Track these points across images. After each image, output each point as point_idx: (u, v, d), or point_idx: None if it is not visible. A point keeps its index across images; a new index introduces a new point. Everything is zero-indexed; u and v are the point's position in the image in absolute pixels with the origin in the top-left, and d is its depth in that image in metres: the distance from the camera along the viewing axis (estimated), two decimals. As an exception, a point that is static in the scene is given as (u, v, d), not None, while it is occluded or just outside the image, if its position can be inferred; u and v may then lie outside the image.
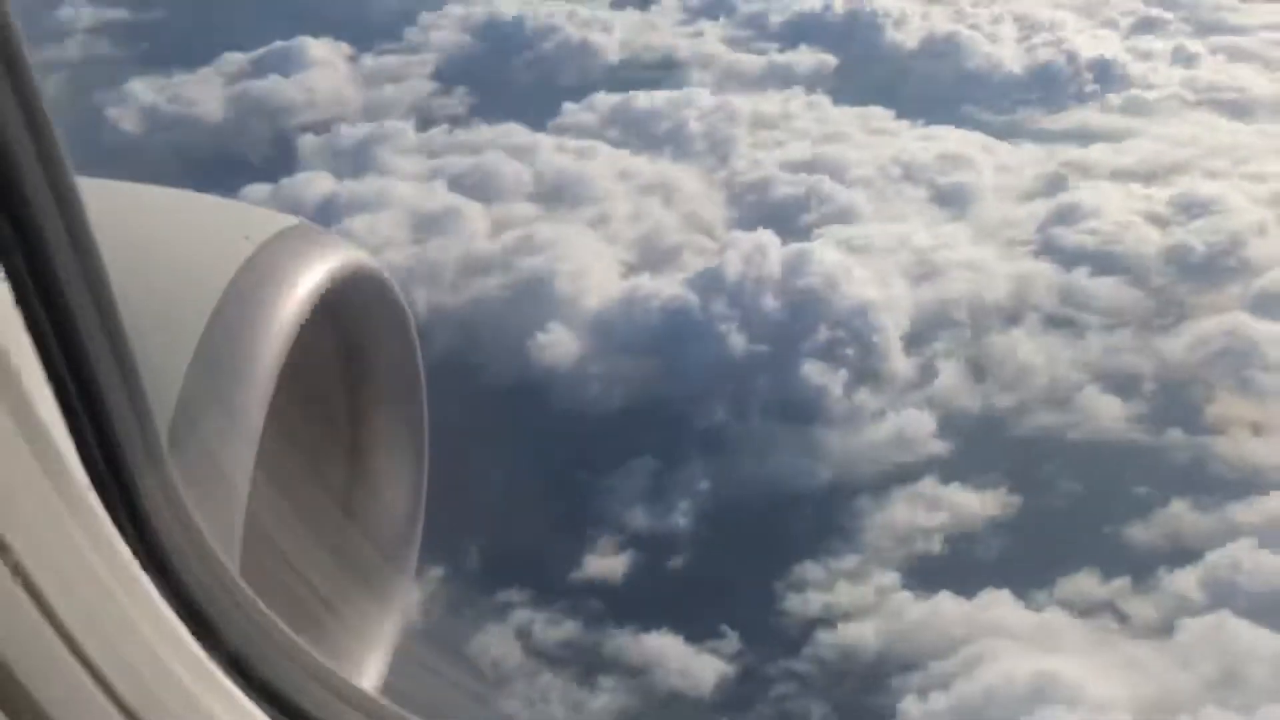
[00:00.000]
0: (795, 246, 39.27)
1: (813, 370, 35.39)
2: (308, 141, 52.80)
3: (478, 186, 45.47)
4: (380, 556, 2.86)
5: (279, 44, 64.09)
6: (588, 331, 36.92)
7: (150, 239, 2.42)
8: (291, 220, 2.59)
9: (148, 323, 2.08)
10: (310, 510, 2.80)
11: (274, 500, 2.56)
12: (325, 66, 62.97)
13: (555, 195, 45.51)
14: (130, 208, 2.52)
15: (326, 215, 41.17)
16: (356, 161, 48.76)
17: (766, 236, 39.86)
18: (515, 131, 52.04)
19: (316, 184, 44.80)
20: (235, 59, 63.38)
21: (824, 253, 39.51)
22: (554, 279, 38.12)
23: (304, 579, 2.76)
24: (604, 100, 56.50)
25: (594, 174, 47.28)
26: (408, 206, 43.07)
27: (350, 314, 2.65)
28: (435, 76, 63.69)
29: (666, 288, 38.10)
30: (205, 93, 60.98)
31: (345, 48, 66.31)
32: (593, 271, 39.15)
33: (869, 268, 40.27)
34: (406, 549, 2.92)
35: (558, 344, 36.09)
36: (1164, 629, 27.14)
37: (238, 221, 2.57)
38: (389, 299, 2.74)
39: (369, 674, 2.74)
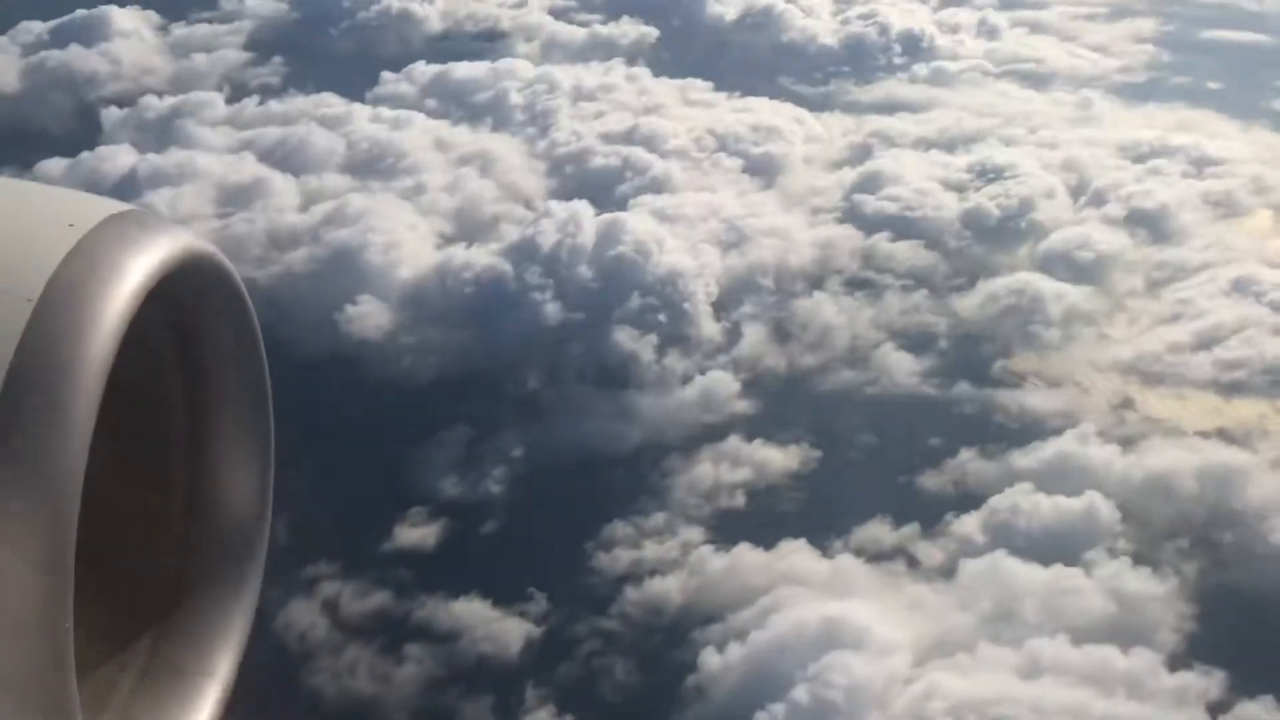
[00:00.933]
0: (609, 216, 39.87)
1: (624, 337, 36.11)
2: (111, 114, 50.73)
3: (289, 158, 44.62)
4: (228, 547, 2.79)
5: (81, 12, 61.35)
6: (400, 303, 36.80)
7: None
8: (120, 206, 2.46)
9: None
10: (152, 506, 2.74)
11: (112, 499, 2.44)
12: (131, 36, 60.51)
13: (369, 166, 45.03)
14: None
15: (126, 190, 39.80)
16: (161, 135, 47.19)
17: (581, 206, 40.37)
18: (330, 102, 51.19)
19: (117, 158, 43.17)
20: (33, 28, 60.41)
21: (637, 222, 40.23)
22: (365, 251, 37.82)
23: (148, 576, 2.70)
24: (423, 71, 56.02)
25: (410, 145, 46.94)
26: (214, 179, 41.96)
27: (186, 303, 2.57)
28: (249, 46, 62.01)
29: (481, 258, 38.23)
30: (1, 63, 57.97)
31: (154, 16, 63.93)
32: (406, 243, 38.97)
33: (681, 236, 41.19)
34: (256, 538, 2.84)
35: (369, 316, 35.90)
36: (947, 571, 28.84)
37: (61, 208, 2.42)
38: (227, 286, 2.64)
39: (221, 668, 2.69)
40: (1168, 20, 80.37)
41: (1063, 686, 23.94)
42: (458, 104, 52.67)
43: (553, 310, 36.51)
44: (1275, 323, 39.01)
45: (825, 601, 26.72)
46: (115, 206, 2.47)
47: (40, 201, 2.53)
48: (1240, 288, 41.34)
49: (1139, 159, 52.81)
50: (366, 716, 25.02)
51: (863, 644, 24.83)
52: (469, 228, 41.50)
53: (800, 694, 23.52)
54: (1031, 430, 34.31)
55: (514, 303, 36.47)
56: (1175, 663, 25.38)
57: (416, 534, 30.35)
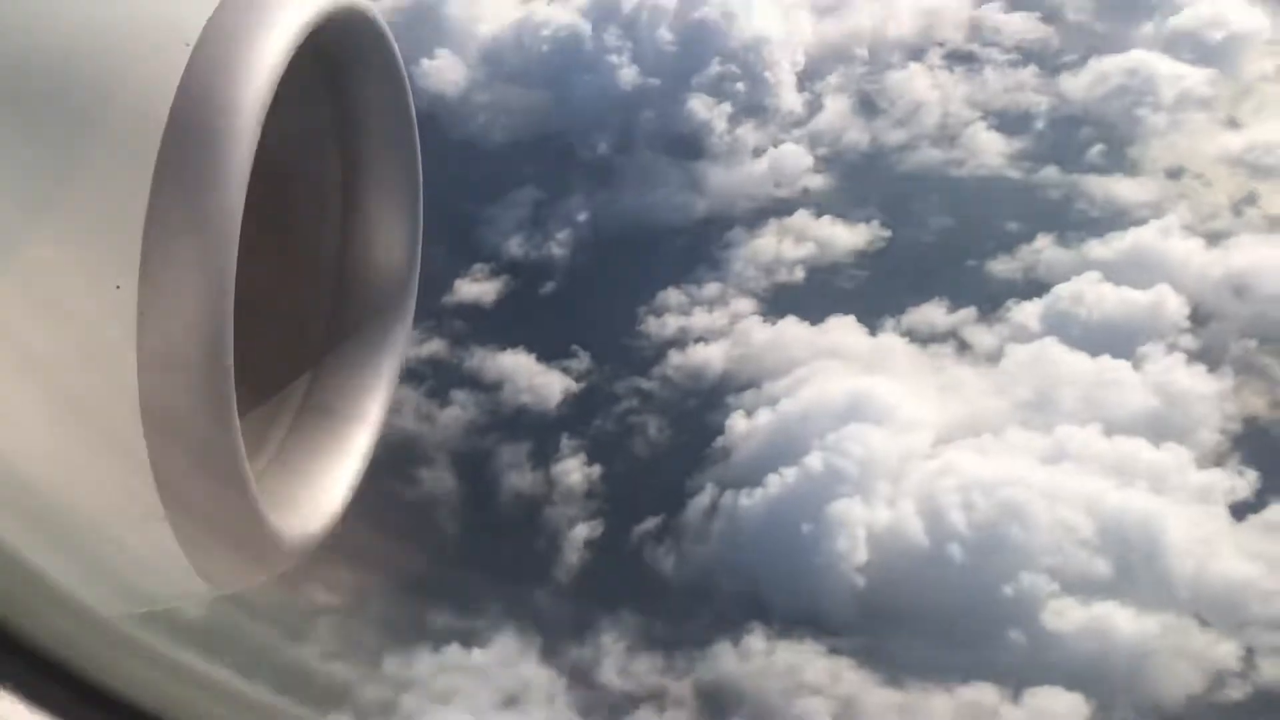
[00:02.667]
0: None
1: (699, 104, 35.49)
2: None
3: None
4: (380, 297, 2.83)
5: None
6: (478, 59, 36.71)
7: None
8: None
9: (127, 59, 2.09)
10: (306, 255, 2.79)
11: (268, 248, 2.50)
12: None
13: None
14: None
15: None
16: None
17: (668, -37, 38.79)
18: None
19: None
20: None
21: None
22: (447, 3, 37.46)
23: (304, 323, 2.78)
24: None
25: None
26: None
27: (341, 55, 2.57)
28: None
29: (561, 16, 37.50)
30: None
31: None
32: (487, -1, 38.42)
33: (774, -1, 39.47)
34: (406, 290, 2.87)
35: (446, 71, 35.95)
36: (995, 356, 28.54)
37: None
38: (381, 42, 2.64)
39: (372, 412, 2.77)
40: None
41: (1082, 474, 23.89)
42: None
43: (629, 74, 35.94)
44: None
45: (858, 376, 26.88)
46: None
47: None
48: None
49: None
50: (409, 452, 26.67)
51: (886, 419, 25.10)
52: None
53: (813, 460, 24.10)
54: (1114, 220, 32.88)
55: (590, 64, 35.98)
56: (1206, 460, 24.96)
57: (477, 289, 31.37)
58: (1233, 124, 36.61)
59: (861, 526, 22.88)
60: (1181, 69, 38.39)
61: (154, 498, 2.10)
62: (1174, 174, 34.59)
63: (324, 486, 2.67)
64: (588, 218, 33.52)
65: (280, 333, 2.77)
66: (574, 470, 25.97)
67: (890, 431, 24.90)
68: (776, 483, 24.03)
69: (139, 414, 2.04)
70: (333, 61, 2.60)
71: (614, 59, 36.04)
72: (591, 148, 35.01)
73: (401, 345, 2.88)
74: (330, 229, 2.82)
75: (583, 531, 24.69)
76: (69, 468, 2.12)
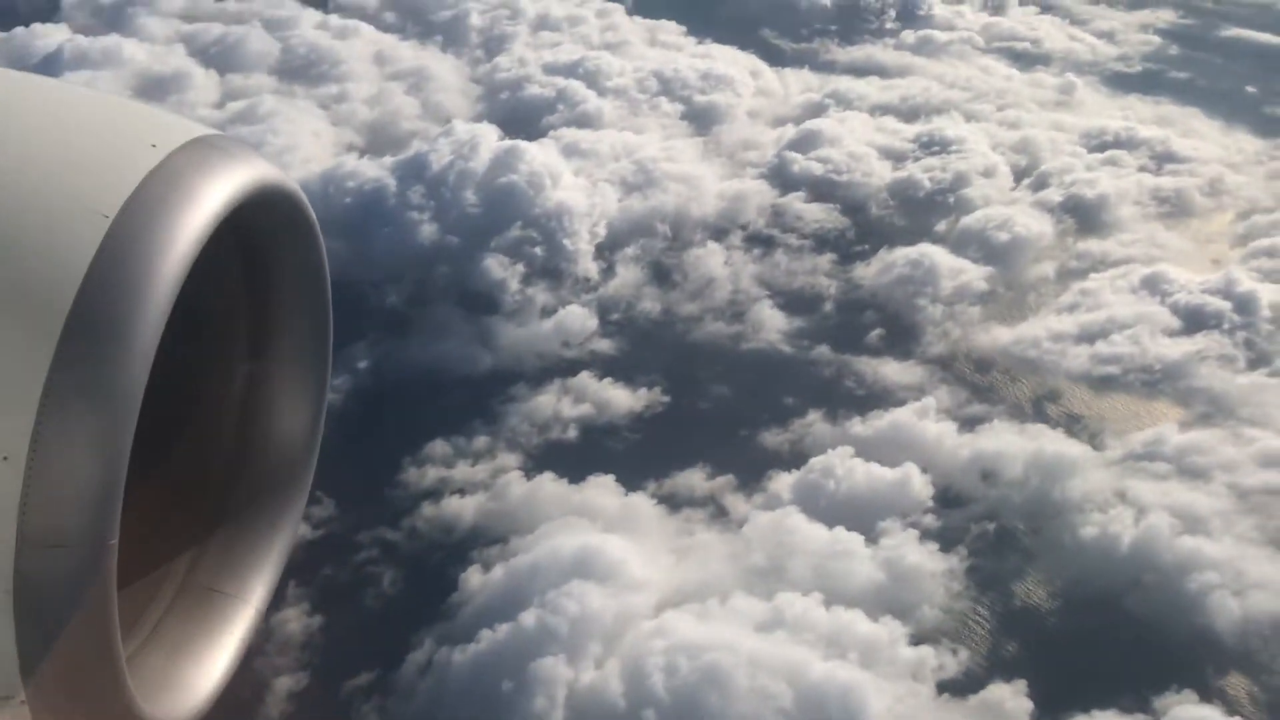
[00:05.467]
0: (509, 143, 39.79)
1: (495, 264, 36.25)
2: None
3: (221, 56, 44.97)
4: (275, 475, 2.80)
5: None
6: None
7: (52, 138, 2.29)
8: (203, 130, 2.47)
9: (40, 230, 2.05)
10: (207, 427, 2.73)
11: (169, 418, 2.40)
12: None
13: (300, 71, 45.28)
14: (33, 100, 2.40)
15: (49, 67, 40.47)
16: (111, 19, 47.78)
17: (485, 130, 40.31)
18: (285, 5, 51.43)
19: (49, 35, 43.76)
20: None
21: (539, 153, 40.10)
22: (259, 150, 38.07)
23: (196, 495, 2.70)
24: (392, -16, 55.97)
25: (349, 54, 47.09)
26: (136, 68, 42.47)
27: (258, 232, 2.56)
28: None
29: (370, 171, 38.40)
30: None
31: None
32: (303, 148, 39.29)
33: (585, 173, 41.06)
34: (302, 470, 2.82)
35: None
36: (739, 523, 28.89)
37: (145, 127, 2.41)
38: (300, 219, 2.67)
39: (256, 593, 2.70)
40: (1189, 14, 78.10)
41: (794, 643, 23.99)
42: (415, 20, 52.69)
43: (429, 231, 36.71)
44: (1168, 324, 38.19)
45: (597, 534, 26.91)
46: (198, 130, 2.48)
47: (126, 118, 2.48)
48: (1149, 285, 40.47)
49: (1099, 148, 51.65)
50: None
51: (612, 578, 25.03)
52: (379, 141, 41.75)
53: (528, 617, 23.81)
54: (879, 399, 34.07)
55: (390, 219, 36.72)
56: (920, 637, 25.31)
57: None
58: (1003, 318, 38.63)
59: (563, 686, 22.52)
60: (964, 264, 40.67)
61: (15, 679, 2.00)
62: (939, 360, 36.16)
63: (199, 669, 2.59)
64: (369, 365, 33.60)
65: (169, 505, 2.70)
66: (293, 620, 25.25)
67: (613, 591, 24.82)
68: (489, 639, 23.64)
69: (10, 590, 1.96)
70: (252, 238, 2.60)
71: (416, 215, 36.88)
72: (381, 298, 35.40)
73: (295, 524, 2.87)
74: (233, 402, 2.77)
75: (288, 683, 23.85)
76: None
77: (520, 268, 36.14)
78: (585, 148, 42.51)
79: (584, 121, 45.24)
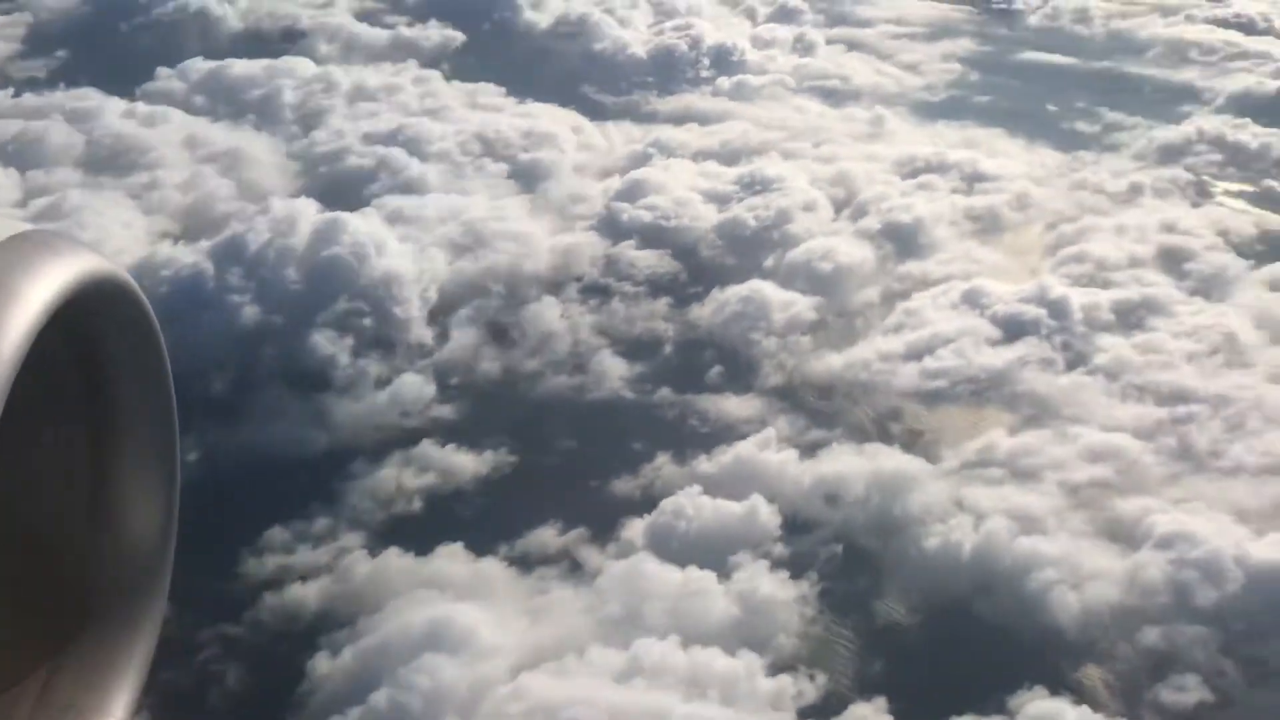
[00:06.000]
0: (330, 216, 39.25)
1: (323, 339, 35.53)
2: None
3: (21, 153, 43.26)
4: (129, 578, 2.62)
5: None
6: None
7: None
8: (23, 226, 2.33)
9: None
10: (53, 534, 2.54)
11: (10, 528, 2.28)
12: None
13: (106, 163, 43.86)
14: None
15: None
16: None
17: (303, 205, 39.71)
18: (89, 97, 49.87)
19: None
20: None
21: (361, 224, 39.63)
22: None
23: (46, 607, 2.50)
24: (199, 67, 54.90)
25: (158, 141, 45.88)
26: (-74, 171, 40.51)
27: (90, 327, 2.42)
28: (30, 38, 60.34)
29: (185, 256, 37.31)
30: None
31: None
32: (114, 239, 37.94)
33: (412, 239, 40.74)
34: (158, 569, 2.68)
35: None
36: (593, 575, 28.69)
37: None
38: (133, 311, 2.50)
39: (116, 709, 2.53)
40: (986, 41, 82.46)
41: (653, 689, 23.85)
42: (227, 101, 51.70)
43: (251, 312, 35.78)
44: (989, 334, 39.77)
45: (446, 604, 26.36)
46: (17, 226, 2.35)
47: None
48: (969, 299, 42.13)
49: (911, 174, 53.74)
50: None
51: (463, 647, 24.52)
52: (194, 226, 40.59)
53: (379, 698, 23.10)
54: (722, 435, 34.45)
55: (210, 304, 35.68)
56: (778, 666, 25.48)
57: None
58: (835, 344, 39.64)
59: (420, 764, 21.87)
60: (793, 296, 41.66)
61: None
62: (777, 391, 36.84)
63: None
64: (199, 457, 32.33)
65: (22, 614, 2.48)
66: (130, 730, 23.89)
67: (467, 660, 24.29)
68: (340, 726, 22.84)
69: None
70: (84, 337, 2.42)
71: (236, 298, 35.91)
72: (206, 386, 34.20)
73: (154, 631, 2.70)
74: (77, 509, 2.56)
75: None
76: None
77: (350, 341, 35.49)
78: (410, 214, 42.19)
79: (407, 188, 44.96)
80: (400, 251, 39.19)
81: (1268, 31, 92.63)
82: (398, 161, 46.56)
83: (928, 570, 29.39)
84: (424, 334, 37.14)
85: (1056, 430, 34.89)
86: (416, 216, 42.19)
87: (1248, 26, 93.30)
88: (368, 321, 36.44)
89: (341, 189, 44.54)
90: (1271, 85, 75.21)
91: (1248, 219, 54.54)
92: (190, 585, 28.18)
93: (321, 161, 46.99)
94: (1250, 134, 65.34)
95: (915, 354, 38.72)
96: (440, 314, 38.36)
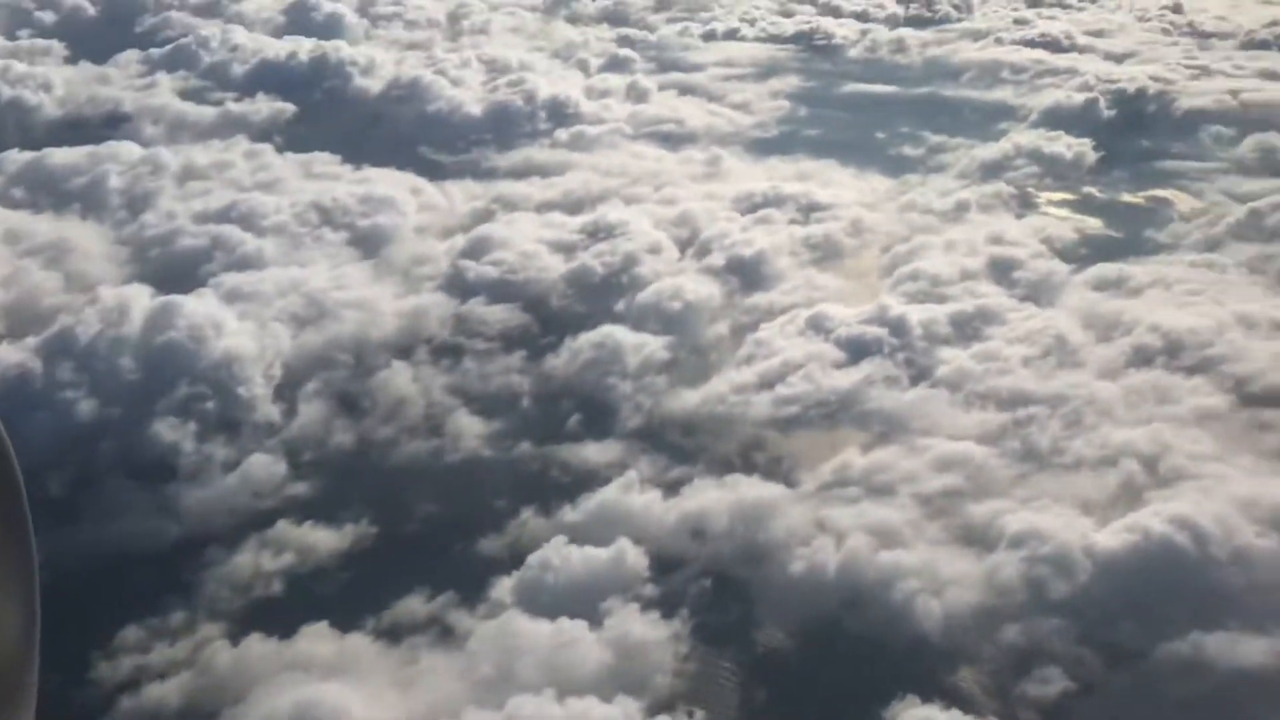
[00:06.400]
0: (164, 300, 38.12)
1: (165, 428, 34.31)
2: None
3: None
4: None
5: None
6: (-89, 412, 33.86)
7: None
8: None
9: None
10: None
11: None
12: None
13: (-83, 267, 41.79)
14: None
15: None
16: None
17: (136, 291, 38.49)
18: (-106, 199, 47.58)
19: None
20: None
21: (198, 305, 38.58)
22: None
23: None
24: (15, 159, 52.91)
25: (-26, 240, 43.93)
26: None
27: None
28: None
29: (10, 355, 35.71)
30: None
31: None
32: (-72, 346, 36.08)
33: (252, 316, 39.81)
34: (20, 690, 2.47)
35: None
36: (464, 638, 28.25)
37: None
38: None
39: None
40: (811, 77, 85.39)
41: (533, 747, 23.55)
42: (48, 192, 49.87)
43: (87, 407, 34.38)
44: (835, 357, 40.84)
45: (313, 685, 25.58)
46: None
47: None
48: (814, 325, 43.22)
49: (750, 209, 55.08)
50: None
51: (334, 728, 23.79)
52: (19, 323, 38.90)
53: (245, 793, 22.24)
54: (585, 483, 34.44)
55: (40, 402, 34.17)
56: (657, 707, 25.46)
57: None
58: (689, 381, 40.13)
59: None
60: (645, 338, 42.09)
61: None
62: (637, 433, 37.07)
63: None
64: (41, 563, 30.66)
65: None
66: None
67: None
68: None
69: None
70: None
71: (69, 394, 34.48)
72: (43, 489, 32.63)
73: None
74: None
75: None
76: None
77: (193, 426, 34.37)
78: (248, 290, 41.27)
79: (244, 264, 44.01)
80: (240, 330, 38.25)
81: (1071, 49, 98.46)
82: (232, 238, 45.57)
83: (796, 593, 29.82)
84: (271, 412, 36.22)
85: (906, 444, 35.96)
86: (255, 292, 41.29)
87: (1053, 45, 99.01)
88: (210, 405, 35.36)
89: (175, 271, 43.36)
90: (1079, 98, 79.80)
91: (1068, 225, 57.60)
92: (40, 698, 26.78)
93: (152, 245, 45.67)
94: (1064, 145, 69.18)
95: (767, 383, 39.50)
96: (287, 390, 37.50)
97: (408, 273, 46.42)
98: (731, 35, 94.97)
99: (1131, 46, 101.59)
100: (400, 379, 38.90)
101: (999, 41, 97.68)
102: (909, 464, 34.80)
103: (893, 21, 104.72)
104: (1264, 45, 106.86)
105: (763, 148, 66.97)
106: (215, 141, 58.10)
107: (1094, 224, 59.82)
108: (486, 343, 42.19)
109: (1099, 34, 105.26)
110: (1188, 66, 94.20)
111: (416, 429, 37.26)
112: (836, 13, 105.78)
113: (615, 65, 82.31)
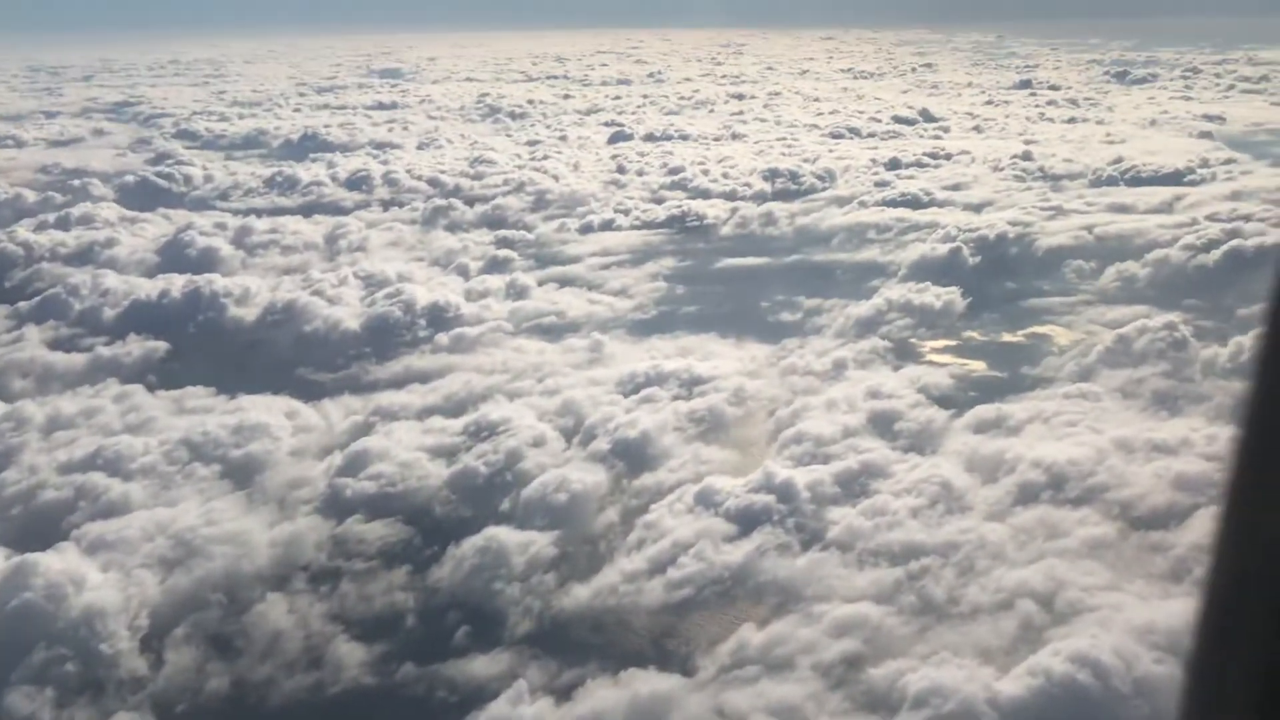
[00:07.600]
0: (16, 560, 36.25)
1: (20, 698, 31.98)
2: None
3: None
4: None
5: None
6: None
7: None
8: None
9: None
10: None
11: None
12: None
13: None
14: None
15: None
16: None
17: (-12, 556, 36.47)
18: None
19: None
20: None
21: (57, 561, 36.70)
22: None
23: None
24: None
25: None
26: None
27: None
28: None
29: None
30: None
31: None
32: None
33: (116, 565, 37.98)
34: None
35: None
36: None
37: None
38: None
39: None
40: (686, 256, 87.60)
41: None
42: (-100, 461, 47.81)
43: (-71, 686, 31.99)
44: (725, 530, 40.22)
45: None
46: None
47: None
48: (702, 500, 42.68)
49: (633, 390, 55.11)
50: None
51: None
52: None
53: None
54: (472, 700, 32.75)
55: (-124, 688, 31.72)
56: None
57: None
58: (579, 575, 39.00)
59: None
60: (531, 535, 41.05)
61: None
62: (527, 639, 35.65)
63: None
64: None
65: None
66: None
67: None
68: None
69: None
70: None
71: (-91, 675, 32.10)
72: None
73: None
74: None
75: None
76: None
77: (51, 692, 32.11)
78: (112, 538, 39.50)
79: (109, 511, 42.29)
80: (103, 582, 36.37)
81: (931, 204, 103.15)
82: (97, 486, 43.96)
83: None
84: (137, 665, 34.10)
85: (803, 612, 35.13)
86: (119, 540, 39.52)
87: (913, 202, 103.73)
88: (70, 667, 33.18)
89: (38, 528, 41.49)
90: (943, 249, 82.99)
91: (944, 372, 58.69)
92: None
93: (12, 503, 43.77)
94: (933, 295, 71.37)
95: (659, 567, 38.60)
96: (154, 639, 35.45)
97: (283, 499, 45.01)
98: (607, 226, 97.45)
99: (988, 195, 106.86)
100: (276, 612, 37.13)
101: (863, 204, 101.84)
102: (807, 633, 33.90)
103: (760, 197, 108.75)
104: (1111, 181, 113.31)
105: (643, 329, 67.80)
106: (85, 388, 56.78)
107: (976, 366, 61.18)
108: (366, 562, 40.74)
109: (956, 187, 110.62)
110: (1043, 208, 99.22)
111: (295, 663, 35.33)
112: (706, 194, 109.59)
113: (495, 266, 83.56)
